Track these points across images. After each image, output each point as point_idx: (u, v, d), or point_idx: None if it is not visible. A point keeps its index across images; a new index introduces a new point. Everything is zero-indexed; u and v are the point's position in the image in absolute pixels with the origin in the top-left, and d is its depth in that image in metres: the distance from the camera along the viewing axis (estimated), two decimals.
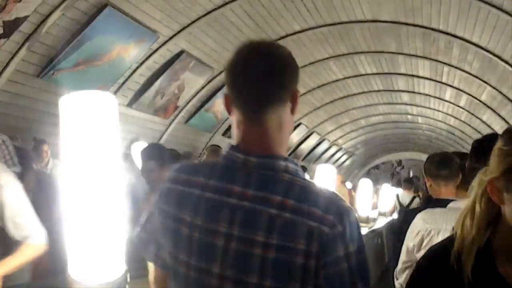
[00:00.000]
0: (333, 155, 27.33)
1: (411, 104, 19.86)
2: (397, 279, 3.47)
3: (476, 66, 12.54)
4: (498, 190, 1.47)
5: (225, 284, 1.45)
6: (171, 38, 9.75)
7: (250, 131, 1.58)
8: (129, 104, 10.42)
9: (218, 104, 13.13)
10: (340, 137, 24.99)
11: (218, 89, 12.76)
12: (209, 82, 12.19)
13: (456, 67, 13.27)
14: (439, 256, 1.59)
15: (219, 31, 10.56)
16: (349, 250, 1.44)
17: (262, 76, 1.56)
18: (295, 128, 19.33)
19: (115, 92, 9.77)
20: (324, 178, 6.96)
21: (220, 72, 12.16)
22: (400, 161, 48.40)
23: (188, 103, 12.24)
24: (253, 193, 1.49)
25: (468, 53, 11.98)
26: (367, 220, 11.22)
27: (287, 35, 11.91)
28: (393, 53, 13.72)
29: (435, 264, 1.59)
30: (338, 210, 1.47)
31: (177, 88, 11.18)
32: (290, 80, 1.61)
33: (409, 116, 22.60)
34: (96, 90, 2.92)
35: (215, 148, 6.62)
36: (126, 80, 9.73)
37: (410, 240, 3.24)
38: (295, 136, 20.39)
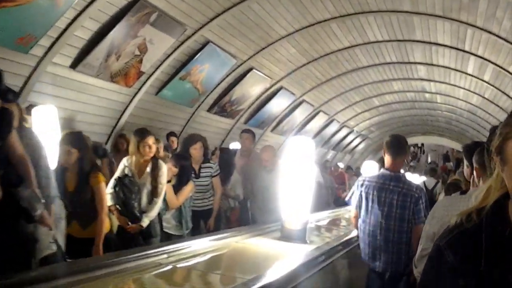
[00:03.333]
0: (344, 138, 25.22)
1: (429, 80, 17.61)
2: (415, 267, 3.53)
3: (507, 25, 10.32)
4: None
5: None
6: None
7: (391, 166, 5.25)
8: (73, 66, 8.36)
9: (196, 71, 11.05)
10: (351, 117, 22.86)
11: (195, 52, 10.67)
12: (182, 43, 10.09)
13: (481, 29, 11.05)
14: (457, 236, 1.63)
15: None
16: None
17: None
18: (298, 105, 17.25)
19: (49, 49, 7.72)
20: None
21: (195, 32, 10.06)
22: (422, 145, 46.35)
23: (157, 68, 10.16)
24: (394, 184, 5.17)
25: (497, 8, 9.77)
26: None
27: None
28: (407, 12, 11.52)
29: (454, 244, 1.63)
30: (418, 187, 5.32)
31: (137, 48, 9.10)
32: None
33: (426, 95, 20.38)
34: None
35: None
36: (63, 33, 7.65)
37: (430, 226, 3.35)
38: (298, 115, 18.33)
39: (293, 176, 5.25)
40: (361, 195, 5.22)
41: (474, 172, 3.37)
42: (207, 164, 7.61)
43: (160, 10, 8.75)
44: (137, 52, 9.17)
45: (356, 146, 28.69)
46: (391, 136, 5.35)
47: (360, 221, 5.25)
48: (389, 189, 5.09)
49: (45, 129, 6.25)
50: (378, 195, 5.10)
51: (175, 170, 6.70)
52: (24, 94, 7.78)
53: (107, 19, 8.15)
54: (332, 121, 21.62)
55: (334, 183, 16.64)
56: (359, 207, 5.25)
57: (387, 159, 5.19)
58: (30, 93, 7.90)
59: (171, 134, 10.75)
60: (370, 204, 5.13)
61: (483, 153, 3.20)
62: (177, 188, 6.65)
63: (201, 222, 7.55)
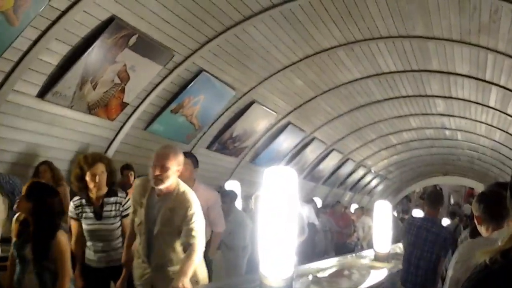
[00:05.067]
0: (361, 178, 24.05)
1: (448, 115, 16.48)
2: None
3: None
4: None
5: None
6: None
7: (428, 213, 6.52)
8: (40, 95, 7.40)
9: (189, 104, 10.07)
10: (368, 157, 21.79)
11: (187, 82, 9.70)
12: (171, 71, 9.13)
13: (504, 54, 9.98)
14: (483, 277, 1.62)
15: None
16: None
17: None
18: (309, 143, 16.21)
19: (9, 74, 6.77)
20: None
21: (185, 59, 9.12)
22: (440, 189, 44.83)
23: (143, 100, 9.20)
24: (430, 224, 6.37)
25: None
26: (387, 259, 7.93)
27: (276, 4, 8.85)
28: (420, 37, 10.49)
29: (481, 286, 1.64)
30: (447, 229, 6.72)
31: (117, 76, 8.14)
32: None
33: (446, 132, 19.23)
34: None
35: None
36: (24, 56, 6.71)
37: (455, 271, 3.22)
38: (310, 154, 17.28)
39: (271, 217, 4.13)
40: (406, 230, 6.59)
41: (475, 220, 3.59)
42: (114, 198, 5.39)
43: (140, 32, 7.82)
44: (117, 80, 8.21)
45: (375, 187, 27.49)
46: (428, 193, 7.65)
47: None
48: (426, 228, 6.38)
49: None
50: (417, 232, 6.42)
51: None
52: None
53: (77, 41, 7.20)
54: (347, 160, 20.57)
55: (335, 225, 14.77)
56: (405, 239, 6.61)
57: (426, 209, 6.70)
58: None
59: (126, 167, 8.82)
60: (410, 237, 6.47)
61: (481, 202, 3.52)
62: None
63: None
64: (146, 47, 8.13)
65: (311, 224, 11.77)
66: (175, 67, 9.11)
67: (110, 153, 9.22)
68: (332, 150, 18.53)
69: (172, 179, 4.46)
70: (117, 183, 5.95)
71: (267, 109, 12.68)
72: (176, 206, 4.45)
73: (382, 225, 7.95)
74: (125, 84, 8.41)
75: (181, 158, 4.55)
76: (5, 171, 7.32)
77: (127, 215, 5.19)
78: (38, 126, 7.78)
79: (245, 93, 11.43)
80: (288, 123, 14.26)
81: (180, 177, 4.60)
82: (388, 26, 10.08)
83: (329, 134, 17.07)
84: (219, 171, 13.15)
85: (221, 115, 11.50)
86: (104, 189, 5.31)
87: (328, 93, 13.50)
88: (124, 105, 8.78)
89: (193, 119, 10.53)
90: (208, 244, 5.49)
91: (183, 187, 4.56)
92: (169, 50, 8.60)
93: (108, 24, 7.26)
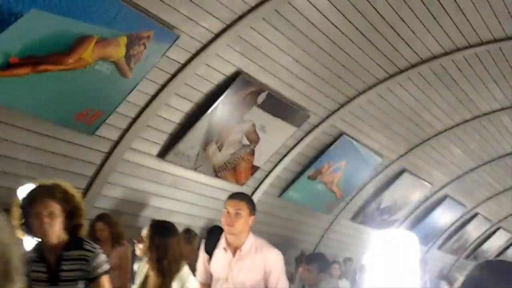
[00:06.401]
0: None
1: None
2: None
3: None
4: None
5: None
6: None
7: None
8: (161, 154, 6.91)
9: (329, 170, 9.19)
10: None
11: (325, 146, 8.87)
12: (306, 133, 8.36)
13: None
14: None
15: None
16: None
17: None
18: (471, 219, 14.60)
19: (125, 131, 6.33)
20: None
21: (323, 120, 8.33)
22: None
23: (277, 164, 8.48)
24: None
25: None
26: None
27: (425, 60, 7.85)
28: None
29: None
30: None
31: (245, 136, 7.50)
32: None
33: None
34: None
35: None
36: (142, 112, 6.26)
37: None
38: (472, 231, 15.62)
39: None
40: None
41: None
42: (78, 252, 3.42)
43: (270, 89, 7.16)
44: (246, 141, 7.57)
45: None
46: None
47: None
48: None
49: None
50: None
51: None
52: (96, 187, 6.41)
53: (200, 97, 6.67)
54: None
55: None
56: None
57: None
58: (104, 186, 6.53)
59: (99, 218, 6.24)
60: None
61: None
62: None
63: None
64: (278, 106, 7.46)
65: None
66: (312, 129, 8.34)
67: None
68: (498, 228, 16.65)
69: None
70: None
71: (420, 179, 11.45)
72: None
73: None
74: (255, 146, 7.74)
75: None
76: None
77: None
78: (160, 188, 7.27)
79: (394, 161, 10.36)
80: (446, 196, 12.89)
81: None
82: None
83: (494, 210, 15.36)
84: (364, 245, 12.00)
85: (367, 184, 10.46)
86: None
87: (491, 164, 12.06)
88: (254, 168, 8.11)
89: (334, 187, 9.63)
90: None
91: None
92: (304, 110, 7.85)
93: (234, 79, 6.67)
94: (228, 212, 3.94)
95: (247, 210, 3.99)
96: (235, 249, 4.02)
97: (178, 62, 6.10)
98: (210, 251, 4.14)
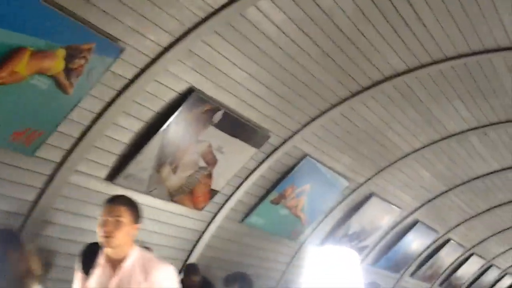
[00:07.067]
0: None
1: None
2: None
3: None
4: None
5: None
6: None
7: None
8: (109, 177, 6.50)
9: (292, 194, 8.84)
10: None
11: (288, 169, 8.53)
12: (267, 155, 8.02)
13: None
14: None
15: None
16: None
17: None
18: (443, 245, 14.34)
19: (68, 153, 5.92)
20: None
21: (284, 141, 8.00)
22: None
23: (237, 188, 8.10)
24: None
25: None
26: None
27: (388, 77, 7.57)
28: None
29: None
30: None
31: (201, 158, 7.13)
32: None
33: None
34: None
35: None
36: (86, 132, 5.86)
37: None
38: (445, 257, 15.35)
39: None
40: None
41: None
42: None
43: (226, 107, 6.81)
44: (202, 164, 7.19)
45: None
46: None
47: None
48: None
49: None
50: None
51: None
52: (40, 210, 5.96)
53: (150, 116, 6.30)
54: (490, 267, 18.21)
55: None
56: None
57: None
58: (48, 211, 6.09)
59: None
60: None
61: None
62: None
63: None
64: (235, 125, 7.11)
65: None
66: (273, 151, 8.01)
67: (199, 248, 8.11)
68: (471, 254, 16.40)
69: None
70: None
71: (389, 203, 11.15)
72: None
73: None
74: (212, 168, 7.36)
75: None
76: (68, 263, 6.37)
77: None
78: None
79: (361, 184, 10.05)
80: (416, 221, 12.61)
81: None
82: None
83: (467, 236, 15.12)
84: None
85: (334, 209, 10.12)
86: None
87: (461, 187, 11.83)
88: (213, 192, 7.71)
89: (298, 212, 9.26)
90: None
91: None
92: (264, 130, 7.52)
93: (187, 96, 6.32)
94: (106, 220, 3.30)
95: (129, 218, 3.34)
96: (115, 265, 3.39)
97: (125, 78, 5.73)
98: (87, 270, 3.48)
